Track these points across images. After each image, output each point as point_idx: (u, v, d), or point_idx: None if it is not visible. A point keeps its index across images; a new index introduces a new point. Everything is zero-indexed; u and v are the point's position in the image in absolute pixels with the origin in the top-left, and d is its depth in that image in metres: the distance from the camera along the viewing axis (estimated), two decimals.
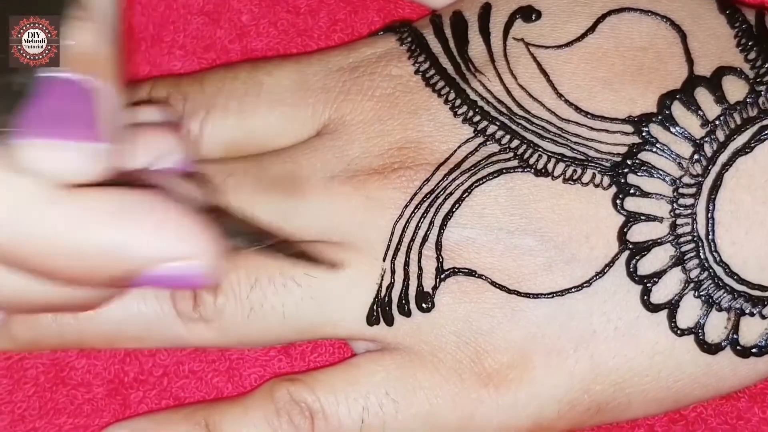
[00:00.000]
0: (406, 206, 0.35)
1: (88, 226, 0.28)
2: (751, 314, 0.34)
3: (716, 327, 0.34)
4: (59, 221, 0.27)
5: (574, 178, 0.34)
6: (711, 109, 0.34)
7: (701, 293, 0.34)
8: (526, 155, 0.34)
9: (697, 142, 0.34)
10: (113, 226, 0.28)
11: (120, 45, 0.30)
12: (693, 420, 0.38)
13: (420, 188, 0.35)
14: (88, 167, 0.27)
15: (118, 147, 0.28)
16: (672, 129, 0.34)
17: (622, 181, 0.34)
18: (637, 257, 0.34)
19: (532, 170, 0.34)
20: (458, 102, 0.35)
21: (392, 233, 0.35)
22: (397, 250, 0.35)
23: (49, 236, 0.27)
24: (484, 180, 0.34)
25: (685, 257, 0.34)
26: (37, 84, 0.27)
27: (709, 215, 0.34)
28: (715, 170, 0.34)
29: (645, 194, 0.34)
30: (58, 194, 0.27)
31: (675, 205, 0.34)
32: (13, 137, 0.27)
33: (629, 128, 0.34)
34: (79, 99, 0.28)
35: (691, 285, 0.34)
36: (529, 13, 0.36)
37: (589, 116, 0.34)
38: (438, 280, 0.34)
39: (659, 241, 0.34)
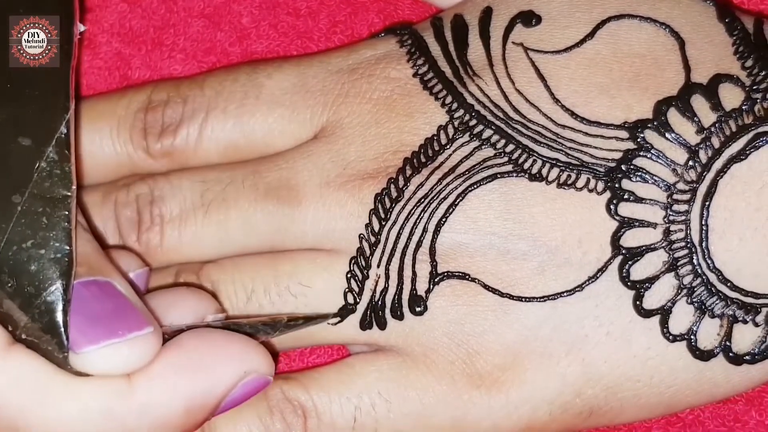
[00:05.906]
0: (400, 211, 0.35)
1: (174, 392, 0.30)
2: (744, 321, 0.34)
3: (709, 334, 0.34)
4: (150, 402, 0.30)
5: (569, 183, 0.34)
6: (707, 116, 0.34)
7: (694, 299, 0.34)
8: (521, 160, 0.35)
9: (692, 148, 0.34)
10: (196, 376, 0.30)
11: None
12: (690, 423, 0.38)
13: (414, 193, 0.35)
14: (145, 352, 0.30)
15: (158, 325, 0.31)
16: (667, 135, 0.34)
17: (617, 186, 0.34)
18: (630, 262, 0.34)
19: (527, 175, 0.34)
20: (455, 105, 0.35)
21: (386, 238, 0.35)
22: (391, 255, 0.35)
23: (150, 419, 0.30)
24: (479, 184, 0.34)
25: (679, 263, 0.34)
26: (68, 295, 0.29)
27: (703, 222, 0.34)
28: (709, 177, 0.34)
29: (639, 200, 0.34)
30: (135, 382, 0.30)
31: (669, 211, 0.34)
32: (69, 348, 0.29)
33: (624, 134, 0.34)
34: (105, 297, 0.30)
35: (684, 291, 0.34)
36: (529, 18, 0.36)
37: (584, 122, 0.34)
38: (431, 283, 0.34)
39: (652, 246, 0.34)
